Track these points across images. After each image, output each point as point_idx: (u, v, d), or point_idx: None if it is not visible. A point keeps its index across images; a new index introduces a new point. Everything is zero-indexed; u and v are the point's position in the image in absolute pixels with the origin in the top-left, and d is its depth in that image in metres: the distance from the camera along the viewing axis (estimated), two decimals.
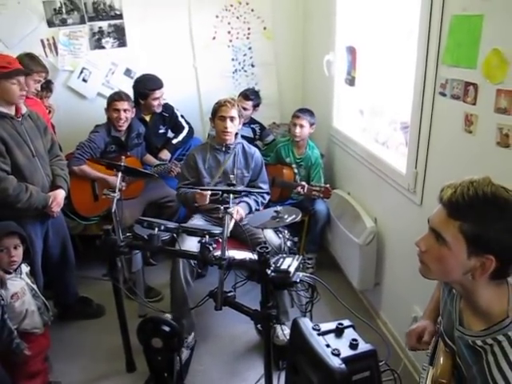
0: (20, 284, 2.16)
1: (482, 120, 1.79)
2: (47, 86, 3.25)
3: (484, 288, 1.16)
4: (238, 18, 3.92)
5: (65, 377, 2.54)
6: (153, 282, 3.31)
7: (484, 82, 1.75)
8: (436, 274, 1.22)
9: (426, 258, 1.21)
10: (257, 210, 2.89)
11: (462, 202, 1.10)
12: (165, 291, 3.08)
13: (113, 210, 2.18)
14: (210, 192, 2.70)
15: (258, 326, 2.79)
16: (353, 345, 1.80)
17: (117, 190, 2.18)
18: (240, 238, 2.67)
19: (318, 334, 1.87)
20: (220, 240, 2.15)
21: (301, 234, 3.49)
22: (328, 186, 3.12)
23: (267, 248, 1.95)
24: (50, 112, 3.37)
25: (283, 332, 2.55)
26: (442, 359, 1.35)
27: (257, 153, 3.00)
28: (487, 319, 1.17)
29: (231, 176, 2.51)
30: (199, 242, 2.11)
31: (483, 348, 1.16)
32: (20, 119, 2.44)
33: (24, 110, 2.49)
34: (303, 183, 3.18)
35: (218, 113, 2.82)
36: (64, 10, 3.62)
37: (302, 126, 3.36)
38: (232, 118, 2.79)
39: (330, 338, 1.86)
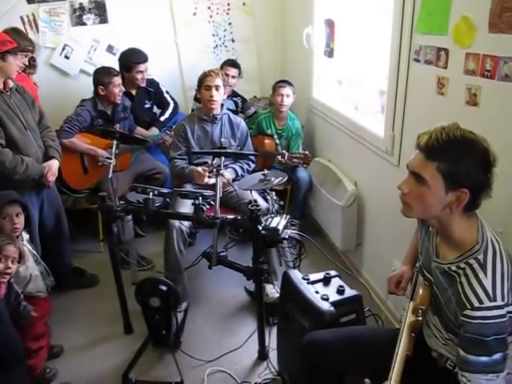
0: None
1: (453, 82, 1.94)
2: (33, 63, 3.27)
3: (458, 220, 1.33)
4: None
5: (65, 341, 2.64)
6: (143, 252, 3.41)
7: (454, 47, 1.90)
8: (417, 211, 1.38)
9: (408, 199, 1.37)
10: (242, 176, 3.02)
11: (437, 146, 1.27)
12: (156, 260, 3.19)
13: (110, 176, 2.27)
14: (208, 174, 2.79)
15: (247, 286, 2.95)
16: (340, 291, 1.99)
17: (113, 157, 2.27)
18: (229, 203, 2.80)
19: (308, 283, 2.05)
20: (212, 203, 2.27)
21: (284, 202, 3.63)
22: (307, 152, 3.26)
23: (258, 205, 2.09)
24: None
25: (272, 290, 2.71)
26: (421, 290, 1.53)
27: (242, 123, 3.12)
28: (460, 248, 1.35)
29: (223, 140, 2.63)
30: (193, 204, 2.23)
31: (457, 272, 1.34)
32: (9, 93, 2.49)
33: (11, 84, 2.53)
34: (283, 151, 3.32)
35: (203, 83, 2.93)
36: None
37: (288, 96, 3.49)
38: (217, 87, 2.90)
39: (319, 286, 2.05)
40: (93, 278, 3.16)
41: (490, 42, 1.69)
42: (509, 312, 1.24)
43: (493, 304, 1.23)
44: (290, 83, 3.54)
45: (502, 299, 1.24)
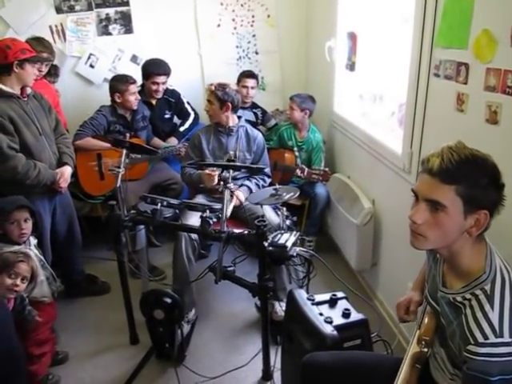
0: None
1: (473, 98, 1.85)
2: (54, 72, 3.33)
3: (469, 246, 1.24)
4: (242, 5, 3.99)
5: (71, 348, 2.63)
6: (156, 262, 3.40)
7: (474, 61, 1.81)
8: (435, 242, 1.26)
9: (423, 230, 1.24)
10: None
11: (451, 168, 1.17)
12: (168, 271, 3.16)
13: (117, 185, 2.26)
14: (217, 173, 2.76)
15: (257, 303, 2.88)
16: (345, 314, 1.90)
17: (122, 166, 2.26)
18: (240, 217, 2.75)
19: (312, 304, 1.97)
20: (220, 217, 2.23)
21: (301, 218, 3.57)
22: (327, 169, 3.20)
23: (265, 221, 2.03)
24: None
25: (281, 308, 2.64)
26: (426, 319, 1.44)
27: (259, 136, 3.08)
28: (467, 277, 1.25)
29: (231, 153, 2.59)
30: (200, 216, 2.19)
31: (462, 303, 1.24)
32: (26, 99, 2.53)
33: (29, 90, 2.57)
34: (303, 166, 3.27)
35: None
36: None
37: (292, 109, 3.50)
38: (209, 101, 2.98)
39: (324, 307, 1.97)
40: (104, 286, 3.16)
41: None
42: None
43: (499, 340, 1.12)
44: (304, 97, 3.51)
45: (510, 335, 1.13)
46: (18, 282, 2.03)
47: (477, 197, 1.17)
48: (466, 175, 1.17)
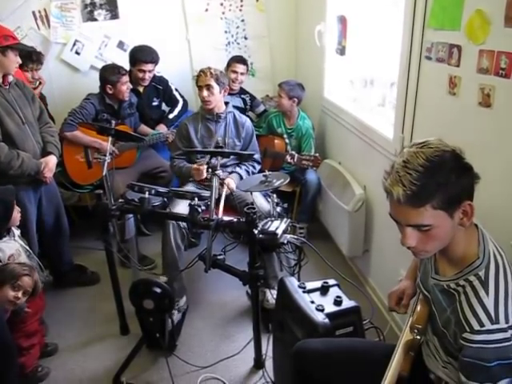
0: (15, 246, 2.21)
1: (465, 81, 1.81)
2: (38, 59, 3.24)
3: (461, 235, 1.21)
4: None
5: (61, 340, 2.61)
6: (146, 251, 3.37)
7: (467, 43, 1.77)
8: (436, 249, 1.24)
9: (420, 247, 1.22)
10: None
11: (416, 190, 1.11)
12: (158, 260, 3.12)
13: (104, 174, 2.21)
14: (205, 167, 2.73)
15: (248, 291, 2.85)
16: (337, 301, 1.87)
17: (107, 154, 2.21)
18: (230, 204, 2.71)
19: (304, 292, 1.94)
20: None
21: (292, 205, 3.54)
22: (317, 155, 3.16)
23: (254, 209, 1.99)
24: (40, 83, 3.38)
25: (273, 296, 2.61)
26: (419, 307, 1.42)
27: (248, 122, 3.03)
28: (460, 263, 1.23)
29: (219, 139, 2.55)
30: (189, 204, 2.15)
31: (456, 290, 1.22)
32: (7, 87, 2.47)
33: (10, 78, 2.50)
34: (293, 153, 3.23)
35: (197, 84, 2.90)
36: None
37: (280, 97, 3.45)
38: (208, 87, 2.83)
39: (315, 295, 1.94)
40: (93, 276, 3.13)
41: (506, 38, 1.56)
42: None
43: (495, 327, 1.10)
44: (292, 85, 3.45)
45: (506, 321, 1.11)
46: (20, 295, 2.02)
47: (454, 196, 1.13)
48: (434, 187, 1.11)
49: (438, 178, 1.11)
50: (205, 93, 2.84)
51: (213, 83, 2.83)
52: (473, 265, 1.19)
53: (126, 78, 3.23)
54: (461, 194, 1.14)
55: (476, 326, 1.12)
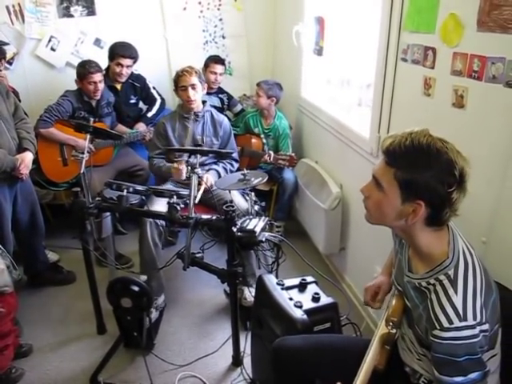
0: None
1: (440, 83, 1.86)
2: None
3: (421, 232, 1.24)
4: None
5: (36, 340, 2.56)
6: (123, 250, 3.33)
7: (442, 45, 1.82)
8: (375, 218, 1.31)
9: (367, 204, 1.31)
10: None
11: (398, 151, 1.18)
12: (135, 259, 3.11)
13: (81, 171, 2.19)
14: (185, 166, 2.71)
15: (226, 289, 2.86)
16: (315, 298, 1.90)
17: (85, 151, 2.19)
18: (209, 203, 2.72)
19: (282, 289, 1.97)
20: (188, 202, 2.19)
21: (270, 203, 3.56)
22: (293, 154, 3.20)
23: (233, 207, 2.01)
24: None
25: (251, 294, 2.63)
26: (394, 301, 1.45)
27: (225, 120, 3.04)
28: (430, 262, 1.26)
29: (198, 137, 2.55)
30: (168, 202, 2.15)
31: (427, 288, 1.25)
32: None
33: None
34: (270, 152, 3.26)
35: (178, 83, 2.86)
36: None
37: (258, 96, 3.46)
38: (193, 86, 2.82)
39: (294, 292, 1.97)
40: (69, 275, 3.08)
41: (478, 42, 1.61)
42: (482, 331, 1.15)
43: (463, 324, 1.14)
44: (271, 84, 3.46)
45: (474, 318, 1.14)
46: None
47: (414, 186, 1.16)
48: (409, 162, 1.16)
49: (419, 162, 1.15)
50: (190, 92, 2.81)
51: (197, 82, 2.83)
52: (443, 264, 1.22)
53: (95, 77, 3.13)
54: (422, 191, 1.16)
55: (445, 324, 1.15)
